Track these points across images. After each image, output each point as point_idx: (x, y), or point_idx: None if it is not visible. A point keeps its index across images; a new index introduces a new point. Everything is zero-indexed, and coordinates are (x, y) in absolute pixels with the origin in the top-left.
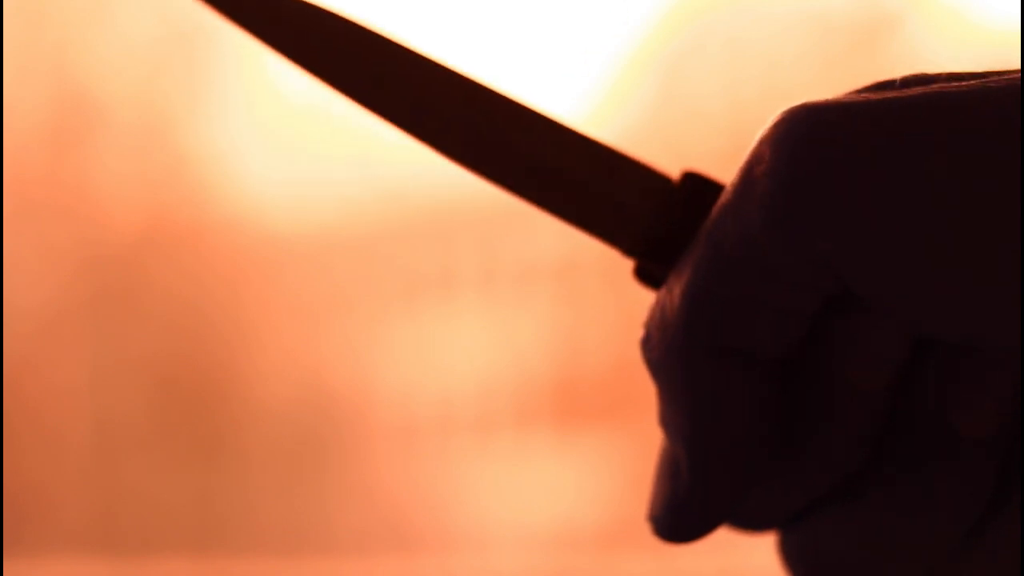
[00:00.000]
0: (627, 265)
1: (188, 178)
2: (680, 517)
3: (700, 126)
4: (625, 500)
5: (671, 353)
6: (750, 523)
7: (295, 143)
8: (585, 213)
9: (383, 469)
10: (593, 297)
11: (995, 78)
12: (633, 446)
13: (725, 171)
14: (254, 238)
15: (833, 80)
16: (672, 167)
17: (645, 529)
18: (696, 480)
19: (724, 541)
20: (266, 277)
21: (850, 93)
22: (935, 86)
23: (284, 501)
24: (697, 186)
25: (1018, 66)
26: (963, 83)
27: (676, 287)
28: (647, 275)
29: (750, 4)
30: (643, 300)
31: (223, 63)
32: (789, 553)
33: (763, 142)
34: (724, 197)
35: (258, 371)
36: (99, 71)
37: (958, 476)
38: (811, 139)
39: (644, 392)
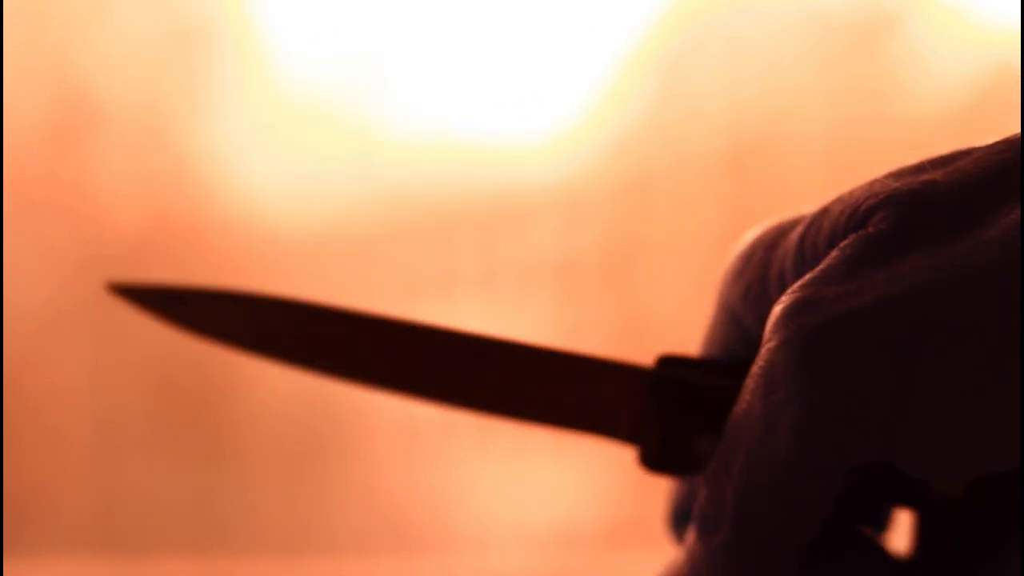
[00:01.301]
0: (627, 265)
1: (188, 178)
2: None
3: (700, 126)
4: (625, 500)
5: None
6: None
7: (295, 143)
8: (574, 419)
9: (383, 469)
10: (593, 297)
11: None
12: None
13: (725, 171)
14: (254, 238)
15: (833, 80)
16: (672, 167)
17: (645, 529)
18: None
19: None
20: (266, 277)
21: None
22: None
23: (284, 501)
24: (671, 365)
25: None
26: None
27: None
28: (649, 462)
29: (750, 4)
30: (643, 300)
31: (223, 63)
32: None
33: (776, 361)
34: (743, 419)
35: (258, 371)
36: (99, 71)
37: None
38: (828, 367)
39: None
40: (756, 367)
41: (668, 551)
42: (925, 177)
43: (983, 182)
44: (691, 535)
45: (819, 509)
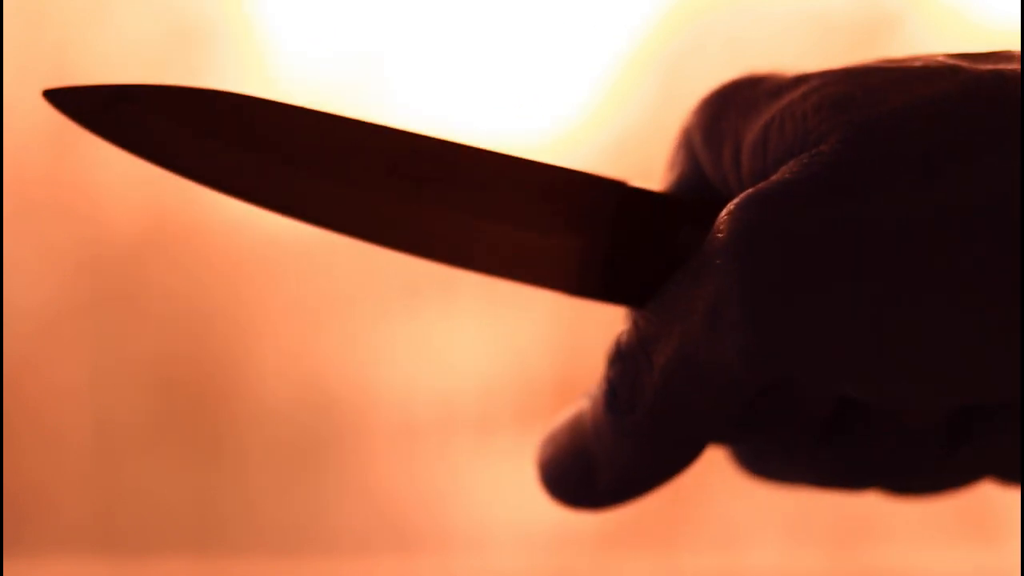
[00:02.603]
0: None
1: None
2: (624, 484)
3: None
4: None
5: (642, 426)
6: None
7: None
8: (528, 224)
9: (383, 469)
10: None
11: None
12: None
13: None
14: (254, 238)
15: None
16: None
17: (645, 529)
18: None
19: (724, 541)
20: (266, 277)
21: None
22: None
23: (284, 501)
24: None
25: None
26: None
27: (649, 373)
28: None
29: (750, 4)
30: None
31: (223, 63)
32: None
33: (729, 272)
34: (679, 311)
35: (258, 371)
36: (99, 71)
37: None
38: (781, 292)
39: None
40: (701, 265)
41: (668, 551)
42: (890, 105)
43: (960, 117)
44: (594, 404)
45: (741, 405)
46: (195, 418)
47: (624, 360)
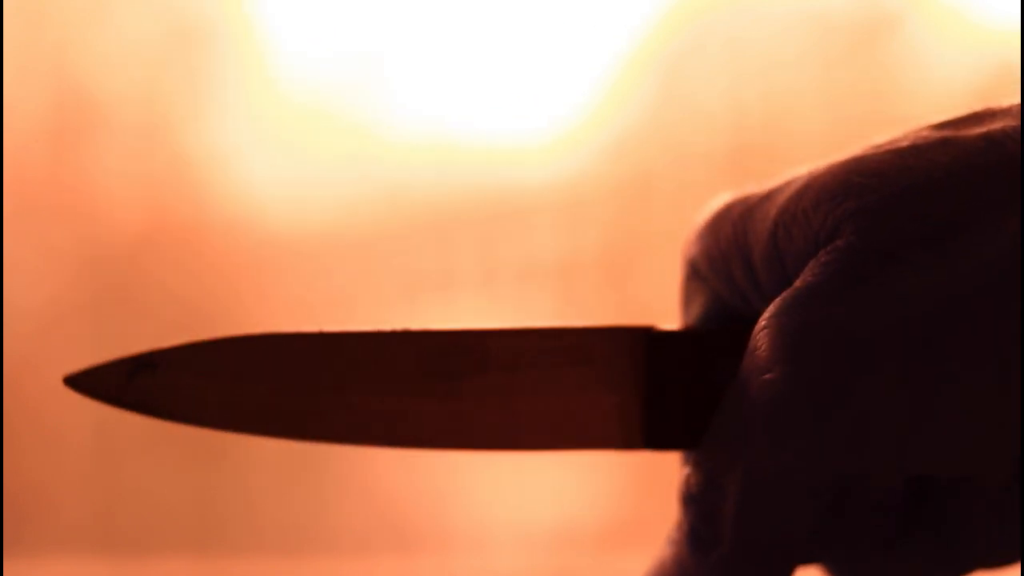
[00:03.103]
0: (628, 265)
1: (188, 178)
2: None
3: (700, 126)
4: (625, 500)
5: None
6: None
7: (295, 143)
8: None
9: (383, 469)
10: (593, 297)
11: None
12: None
13: (725, 171)
14: (254, 238)
15: (833, 80)
16: (672, 167)
17: (645, 529)
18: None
19: None
20: (266, 277)
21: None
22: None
23: (284, 501)
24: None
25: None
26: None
27: (725, 503)
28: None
29: (750, 4)
30: (643, 300)
31: (223, 63)
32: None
33: (785, 391)
34: (735, 436)
35: None
36: (99, 71)
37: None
38: (837, 396)
39: None
40: (754, 390)
41: None
42: (892, 187)
43: (959, 189)
44: (677, 549)
45: (823, 514)
46: None
47: (697, 500)
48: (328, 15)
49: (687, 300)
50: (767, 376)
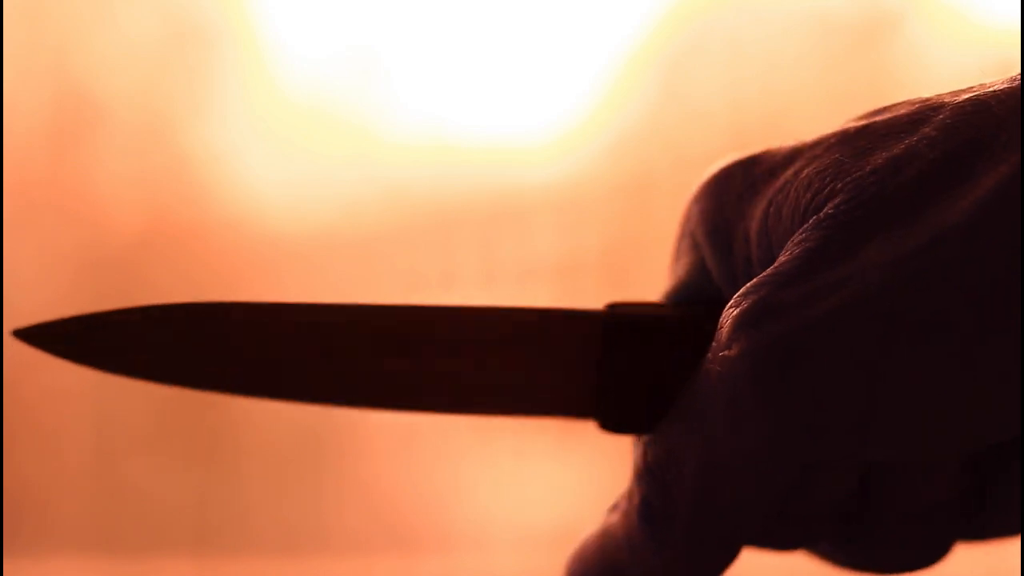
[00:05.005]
0: (627, 265)
1: (188, 178)
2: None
3: (700, 126)
4: None
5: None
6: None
7: (295, 143)
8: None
9: (382, 469)
10: (593, 297)
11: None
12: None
13: None
14: (254, 238)
15: (833, 80)
16: (672, 167)
17: None
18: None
19: None
20: (266, 277)
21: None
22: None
23: (283, 501)
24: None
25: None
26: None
27: (679, 484)
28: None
29: (750, 4)
30: (643, 300)
31: (223, 63)
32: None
33: (739, 372)
34: (696, 418)
35: None
36: (99, 71)
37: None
38: (795, 379)
39: None
40: (714, 370)
41: None
42: (882, 160)
43: (943, 163)
44: (625, 520)
45: (778, 498)
46: (194, 419)
47: (653, 473)
48: (328, 15)
49: (677, 256)
50: (723, 353)
